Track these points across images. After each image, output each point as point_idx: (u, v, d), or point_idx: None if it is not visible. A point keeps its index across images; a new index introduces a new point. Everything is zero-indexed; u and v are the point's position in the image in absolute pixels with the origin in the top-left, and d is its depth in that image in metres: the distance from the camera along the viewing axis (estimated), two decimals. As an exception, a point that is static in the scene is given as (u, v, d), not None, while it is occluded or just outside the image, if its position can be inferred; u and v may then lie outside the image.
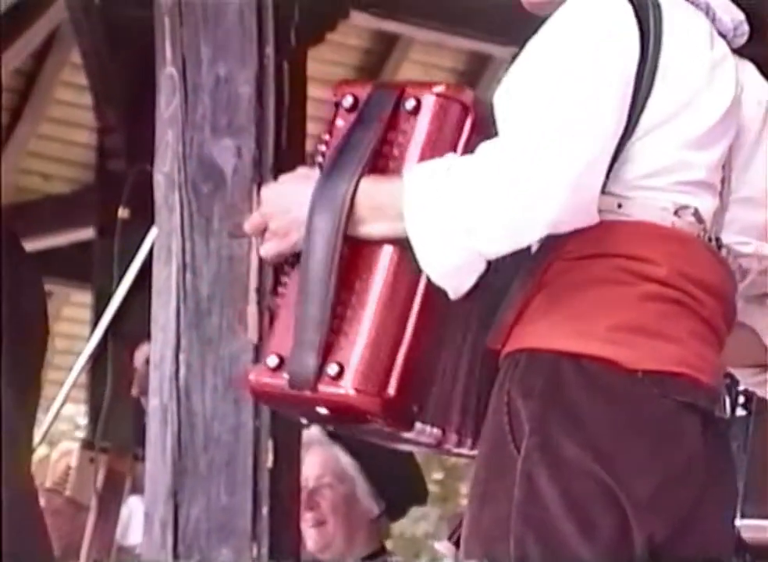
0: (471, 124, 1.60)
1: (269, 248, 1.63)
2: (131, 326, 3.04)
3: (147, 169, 2.69)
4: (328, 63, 5.76)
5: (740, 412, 2.30)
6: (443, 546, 2.68)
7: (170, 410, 2.42)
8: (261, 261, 2.56)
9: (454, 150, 1.59)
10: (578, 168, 1.51)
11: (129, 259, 2.99)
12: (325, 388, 1.56)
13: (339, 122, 1.62)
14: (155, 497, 2.43)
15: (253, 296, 2.50)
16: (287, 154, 2.64)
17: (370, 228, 1.57)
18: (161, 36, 2.64)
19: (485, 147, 1.55)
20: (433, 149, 1.59)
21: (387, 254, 1.58)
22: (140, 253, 2.89)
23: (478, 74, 6.06)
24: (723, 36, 1.67)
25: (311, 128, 6.10)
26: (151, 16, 2.69)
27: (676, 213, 1.59)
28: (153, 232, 2.67)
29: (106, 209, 3.65)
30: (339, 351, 1.56)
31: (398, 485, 3.02)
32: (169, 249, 2.55)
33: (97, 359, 3.25)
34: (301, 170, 1.65)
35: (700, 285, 1.59)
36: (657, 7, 1.59)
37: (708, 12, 1.65)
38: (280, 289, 1.63)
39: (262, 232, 1.64)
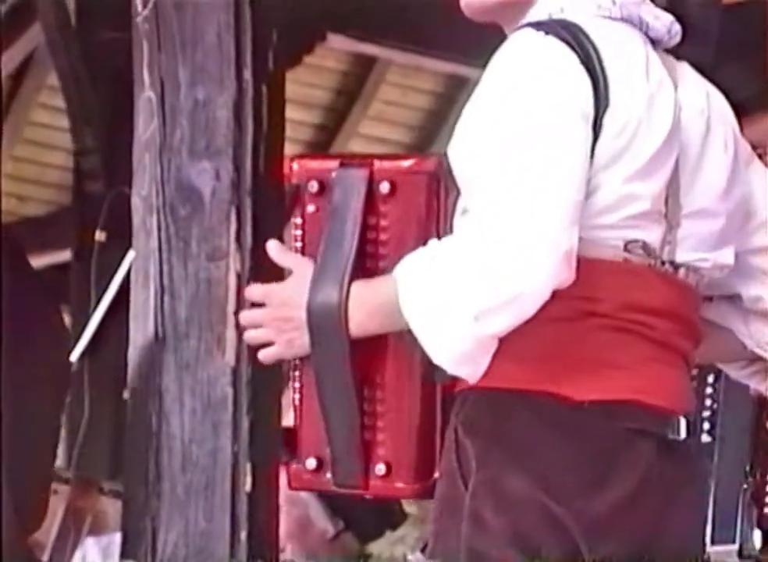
0: (444, 189, 1.61)
1: (269, 354, 1.64)
2: (109, 350, 3.03)
3: (124, 192, 2.69)
4: (306, 85, 5.77)
5: (705, 438, 2.31)
6: (416, 558, 2.68)
7: (148, 434, 2.41)
8: (239, 284, 2.56)
9: (437, 222, 1.60)
10: (558, 229, 1.53)
11: (107, 282, 2.99)
12: (375, 484, 1.60)
13: (310, 208, 1.60)
14: (133, 521, 2.42)
15: (231, 319, 2.50)
16: (265, 177, 2.65)
17: (372, 330, 1.58)
18: (139, 60, 2.64)
19: (465, 229, 1.55)
20: (418, 227, 1.60)
21: (397, 341, 1.59)
22: (117, 276, 2.89)
23: (455, 96, 6.08)
24: (657, 41, 1.67)
25: (289, 149, 6.10)
26: (129, 38, 2.70)
27: (626, 248, 1.60)
28: (130, 255, 2.67)
29: (83, 231, 3.65)
30: (383, 449, 1.59)
31: (368, 510, 3.02)
32: (147, 272, 2.55)
33: (75, 383, 3.24)
34: (302, 266, 1.62)
35: (652, 312, 1.61)
36: (594, 48, 1.59)
37: (641, 24, 1.66)
38: (295, 384, 1.64)
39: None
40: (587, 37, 1.59)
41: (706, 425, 2.31)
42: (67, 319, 4.55)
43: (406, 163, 1.59)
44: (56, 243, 4.86)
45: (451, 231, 1.62)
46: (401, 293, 1.54)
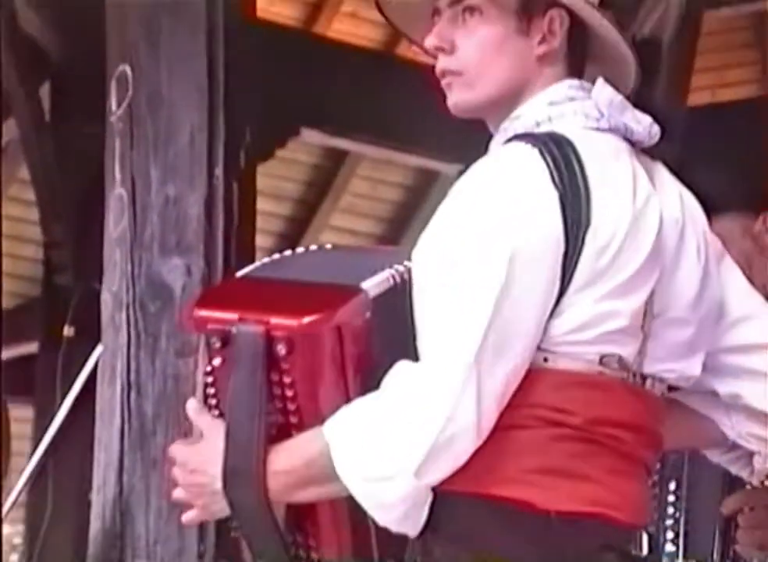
0: (347, 339, 1.56)
1: (190, 518, 1.62)
2: (73, 447, 3.00)
3: (93, 287, 2.69)
4: (279, 178, 5.82)
5: (669, 547, 2.29)
6: None
7: (113, 534, 2.38)
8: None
9: (342, 368, 1.57)
10: (497, 381, 1.52)
11: (73, 378, 2.97)
12: None
13: (216, 361, 1.55)
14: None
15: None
16: (236, 272, 2.66)
17: (302, 495, 1.56)
18: (111, 157, 2.66)
19: (393, 380, 1.53)
20: (321, 378, 1.56)
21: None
22: (83, 371, 2.88)
23: (425, 189, 6.14)
24: (639, 143, 1.67)
25: (261, 241, 6.12)
26: (102, 134, 2.72)
27: (601, 362, 1.59)
28: (98, 351, 2.66)
29: (51, 324, 3.64)
30: None
31: None
32: (114, 368, 2.54)
33: (38, 478, 3.20)
34: (209, 431, 1.57)
35: (621, 426, 1.60)
36: (581, 164, 1.59)
37: (626, 131, 1.66)
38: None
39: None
40: (576, 154, 1.59)
41: (669, 534, 2.30)
42: (31, 413, 4.53)
43: (304, 321, 1.52)
44: (24, 334, 4.84)
45: (361, 374, 1.59)
46: (336, 459, 1.51)
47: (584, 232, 1.57)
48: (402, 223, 6.27)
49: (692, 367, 1.69)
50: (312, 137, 5.15)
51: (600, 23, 1.66)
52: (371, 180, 6.18)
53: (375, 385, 1.55)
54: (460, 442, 1.52)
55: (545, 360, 1.58)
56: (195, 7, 2.63)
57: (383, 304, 1.60)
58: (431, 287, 1.56)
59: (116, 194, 2.66)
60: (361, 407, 1.54)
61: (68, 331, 3.05)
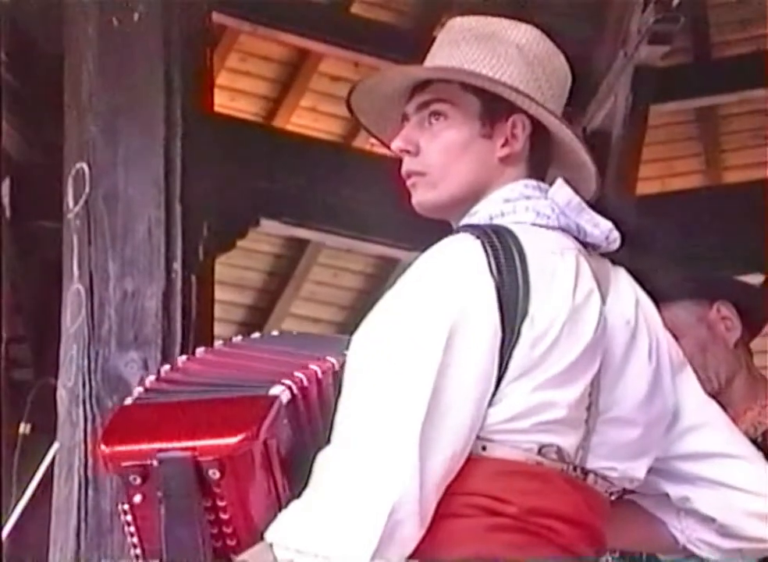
0: (277, 449, 1.55)
1: None
2: (28, 547, 2.98)
3: (50, 383, 2.69)
4: (240, 268, 5.84)
5: None
6: None
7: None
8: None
9: (273, 478, 1.55)
10: (433, 475, 1.53)
11: (30, 476, 2.95)
12: None
13: (137, 498, 1.48)
14: None
15: (156, 510, 2.48)
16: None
17: None
18: (69, 254, 2.68)
19: (328, 471, 1.52)
20: (256, 491, 1.53)
21: None
22: (39, 469, 2.86)
23: (385, 277, 6.17)
24: (595, 247, 1.71)
25: (222, 331, 6.10)
26: (61, 229, 2.74)
27: (540, 452, 1.61)
28: (54, 448, 2.65)
29: (9, 420, 3.62)
30: None
31: None
32: (71, 465, 2.53)
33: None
34: None
35: (559, 518, 1.61)
36: (522, 256, 1.61)
37: (579, 232, 1.70)
38: None
39: None
40: (518, 246, 1.62)
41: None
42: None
43: (230, 440, 1.48)
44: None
45: (288, 476, 1.57)
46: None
47: (521, 322, 1.59)
48: (363, 311, 6.20)
49: (636, 469, 1.70)
50: (272, 228, 5.20)
51: (560, 130, 1.72)
52: (332, 268, 6.21)
53: (300, 480, 1.54)
54: (405, 529, 1.52)
55: (484, 448, 1.59)
56: (152, 105, 2.67)
57: (294, 409, 1.58)
58: (366, 372, 1.56)
59: (73, 290, 2.67)
60: (302, 508, 1.52)
61: (24, 428, 3.04)
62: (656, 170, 5.66)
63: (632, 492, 1.76)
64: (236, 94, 5.38)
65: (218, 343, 1.76)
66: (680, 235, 4.04)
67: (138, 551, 1.52)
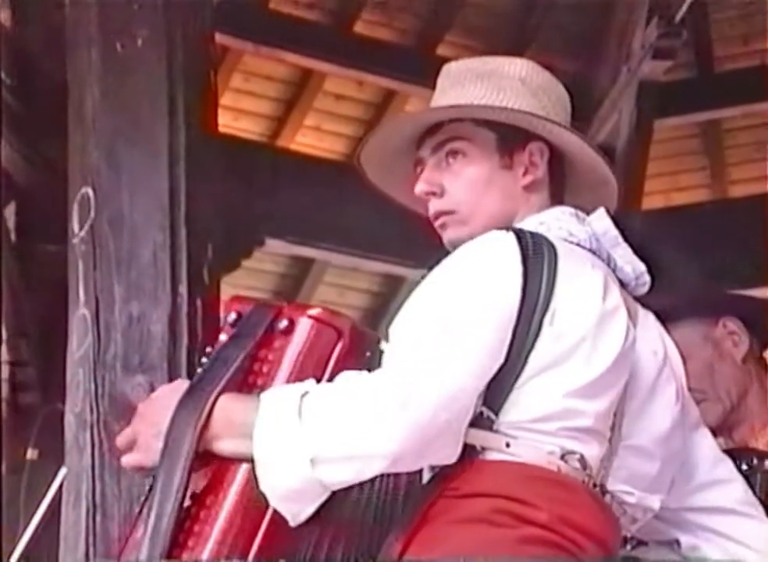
0: (341, 349, 1.63)
1: (129, 459, 1.64)
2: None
3: (57, 408, 2.69)
4: (244, 288, 5.83)
5: None
6: None
7: None
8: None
9: (322, 372, 1.62)
10: (424, 408, 1.54)
11: (38, 501, 2.95)
12: None
13: (222, 337, 1.66)
14: None
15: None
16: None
17: (221, 444, 1.58)
18: (75, 278, 2.68)
19: (342, 377, 1.59)
20: (300, 369, 1.62)
21: (239, 472, 1.59)
22: (47, 495, 2.86)
23: (391, 295, 6.17)
24: (624, 285, 1.73)
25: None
26: (66, 253, 2.74)
27: (562, 458, 1.62)
28: (62, 473, 2.64)
29: (16, 445, 3.62)
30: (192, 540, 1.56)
31: None
32: (79, 491, 2.52)
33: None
34: (177, 382, 1.68)
35: (581, 530, 1.61)
36: (552, 255, 1.64)
37: (609, 261, 1.72)
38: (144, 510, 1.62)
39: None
40: (551, 248, 1.65)
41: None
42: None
43: (313, 310, 1.65)
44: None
45: None
46: (258, 416, 1.55)
47: (542, 315, 1.61)
48: (370, 328, 6.29)
49: (651, 500, 1.71)
50: (277, 247, 5.20)
51: (582, 148, 1.73)
52: (338, 287, 6.20)
53: None
54: (371, 463, 1.54)
55: (508, 445, 1.60)
56: (156, 128, 2.68)
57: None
58: (400, 338, 1.60)
59: (79, 315, 2.67)
60: (307, 384, 1.58)
61: (31, 454, 3.03)
62: (660, 185, 5.66)
63: (633, 538, 1.77)
64: (239, 115, 5.38)
65: None
66: (686, 249, 4.05)
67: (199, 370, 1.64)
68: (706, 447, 1.80)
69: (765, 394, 2.37)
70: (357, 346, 1.64)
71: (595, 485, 1.64)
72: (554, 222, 1.71)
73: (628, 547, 1.80)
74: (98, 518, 2.51)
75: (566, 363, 1.61)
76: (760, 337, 2.44)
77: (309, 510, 1.55)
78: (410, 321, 1.61)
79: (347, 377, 1.58)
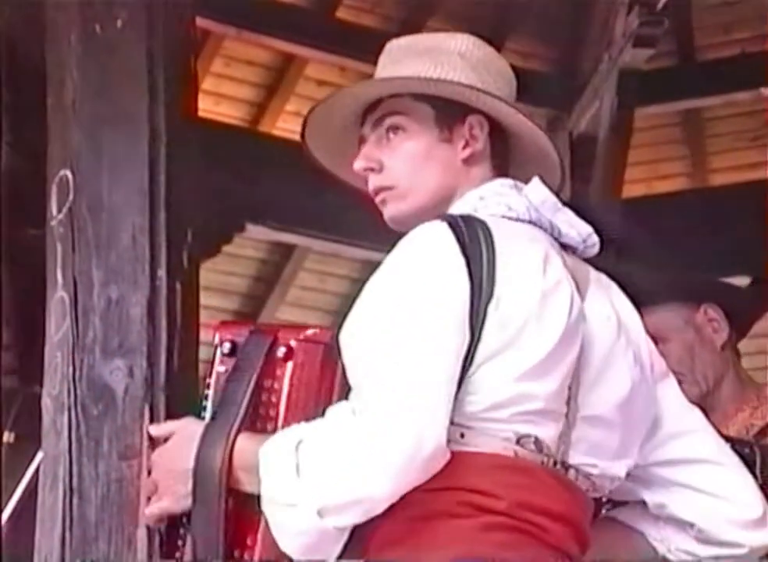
0: (342, 368, 1.67)
1: (154, 509, 1.65)
2: (12, 556, 2.97)
3: (35, 392, 2.68)
4: (225, 273, 5.84)
5: None
6: None
7: None
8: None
9: (329, 392, 1.64)
10: (414, 441, 1.55)
11: (14, 485, 2.94)
12: None
13: (220, 368, 1.71)
14: None
15: (142, 519, 2.47)
16: (180, 373, 2.66)
17: (248, 487, 1.62)
18: (53, 261, 2.66)
19: (331, 415, 1.59)
20: (307, 394, 1.66)
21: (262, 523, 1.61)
22: (24, 478, 2.85)
23: (372, 282, 6.17)
24: (573, 249, 1.72)
25: (205, 336, 6.09)
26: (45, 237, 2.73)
27: (518, 442, 1.62)
28: (39, 457, 2.64)
29: (-4, 428, 3.62)
30: None
31: None
32: (56, 474, 2.51)
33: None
34: (188, 424, 1.67)
35: (545, 513, 1.62)
36: (489, 238, 1.64)
37: (552, 229, 1.71)
38: (177, 554, 1.63)
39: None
40: (485, 229, 1.64)
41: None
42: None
43: (308, 332, 1.70)
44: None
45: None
46: (262, 471, 1.57)
47: (487, 302, 1.62)
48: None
49: (615, 468, 1.71)
50: (258, 233, 5.19)
51: (520, 121, 1.73)
52: (318, 273, 6.21)
53: None
54: (372, 504, 1.55)
55: (462, 436, 1.61)
56: (136, 111, 2.66)
57: None
58: (360, 352, 1.62)
59: (57, 298, 2.66)
60: (298, 431, 1.59)
61: (8, 437, 3.03)
62: (641, 173, 5.67)
63: (609, 501, 1.77)
64: (220, 99, 5.37)
65: None
66: (667, 238, 4.06)
67: (205, 403, 1.70)
68: (672, 398, 1.78)
69: (739, 382, 2.40)
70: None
71: (555, 463, 1.64)
72: (493, 198, 1.71)
73: (603, 511, 1.80)
74: (75, 501, 2.50)
75: (512, 347, 1.61)
76: (739, 325, 2.45)
77: (334, 553, 1.56)
78: (368, 338, 1.60)
79: (336, 417, 1.57)
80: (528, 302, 1.63)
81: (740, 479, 1.77)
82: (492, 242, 1.63)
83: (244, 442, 1.61)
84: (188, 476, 1.60)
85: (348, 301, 6.68)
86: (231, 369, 1.70)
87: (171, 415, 2.60)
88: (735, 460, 1.79)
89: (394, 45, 1.79)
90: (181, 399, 2.61)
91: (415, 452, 1.54)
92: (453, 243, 1.62)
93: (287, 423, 1.64)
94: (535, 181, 1.73)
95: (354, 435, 1.55)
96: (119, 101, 2.64)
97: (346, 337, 1.65)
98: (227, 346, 1.73)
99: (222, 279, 5.88)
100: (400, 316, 1.60)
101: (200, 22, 3.25)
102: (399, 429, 1.53)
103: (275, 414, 1.66)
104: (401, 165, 1.73)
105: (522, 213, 1.70)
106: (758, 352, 5.38)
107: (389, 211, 1.75)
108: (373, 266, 6.56)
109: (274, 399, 1.67)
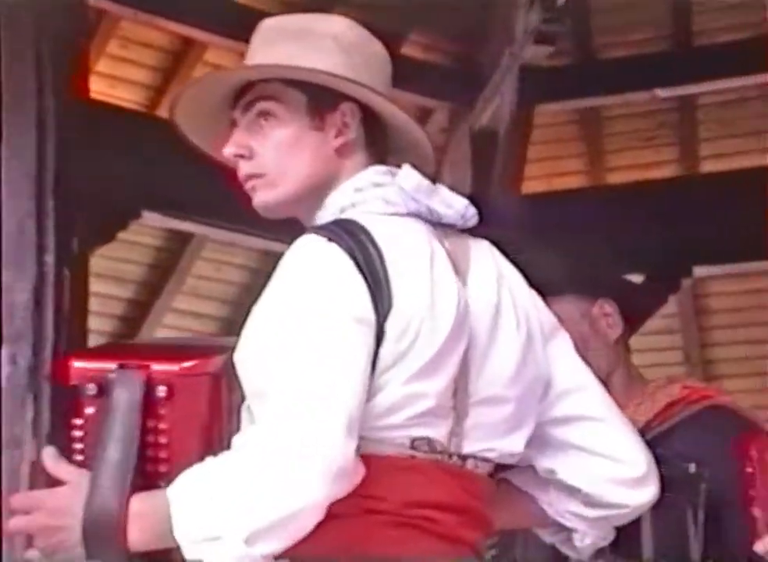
0: (226, 390, 1.59)
1: (19, 523, 1.55)
2: None
3: None
4: (120, 261, 5.74)
5: None
6: None
7: None
8: (33, 473, 2.47)
9: (219, 421, 1.58)
10: (332, 445, 1.52)
11: None
12: None
13: (89, 410, 1.55)
14: None
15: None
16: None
17: (151, 546, 1.54)
18: (-61, 246, 2.60)
19: (239, 446, 1.53)
20: (198, 428, 1.58)
21: None
22: None
23: (269, 271, 6.14)
24: (452, 226, 1.70)
25: (101, 324, 5.96)
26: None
27: (412, 445, 1.61)
28: None
29: None
30: None
31: None
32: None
33: None
34: (72, 477, 1.56)
35: (436, 507, 1.61)
36: (378, 252, 1.61)
37: (431, 215, 1.69)
38: None
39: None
40: (371, 240, 1.61)
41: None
42: None
43: (185, 365, 1.57)
44: None
45: (237, 430, 1.60)
46: (174, 517, 1.50)
47: (386, 317, 1.59)
48: (246, 305, 6.22)
49: (514, 444, 1.70)
50: (154, 220, 5.11)
51: (390, 110, 1.71)
52: (216, 262, 6.14)
53: None
54: (301, 520, 1.51)
55: (357, 447, 1.57)
56: (23, 95, 2.60)
57: None
58: (266, 374, 1.55)
59: (-58, 283, 2.59)
60: (207, 466, 1.52)
61: None
62: (541, 169, 5.71)
63: (504, 467, 1.77)
64: (116, 82, 5.27)
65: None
66: (565, 234, 4.10)
67: (78, 450, 1.57)
68: (563, 355, 1.77)
69: (628, 378, 2.42)
70: (232, 373, 1.59)
71: (450, 456, 1.63)
72: (370, 190, 1.68)
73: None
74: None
75: (408, 355, 1.60)
76: (632, 322, 2.47)
77: None
78: (272, 360, 1.55)
79: (244, 443, 1.53)
80: (421, 308, 1.60)
81: (625, 437, 1.77)
82: (382, 255, 1.60)
83: (138, 503, 1.52)
84: (73, 533, 1.52)
85: (246, 291, 6.60)
86: (104, 412, 1.53)
87: (55, 404, 2.55)
88: (621, 417, 1.79)
89: (267, 25, 1.74)
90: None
91: (334, 464, 1.51)
92: (348, 259, 1.58)
93: (179, 461, 1.55)
94: (406, 167, 1.69)
95: (269, 455, 1.50)
96: (5, 82, 2.58)
97: (244, 360, 1.58)
98: (92, 387, 1.53)
99: (117, 266, 5.77)
100: (304, 338, 1.55)
101: (95, 1, 3.18)
102: (310, 442, 1.50)
103: (166, 456, 1.55)
104: (271, 152, 1.68)
105: (400, 207, 1.67)
106: (648, 349, 5.47)
107: (259, 199, 1.71)
108: (271, 256, 6.46)
109: (162, 440, 1.55)
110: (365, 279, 1.59)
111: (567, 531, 1.80)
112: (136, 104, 5.37)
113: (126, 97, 5.31)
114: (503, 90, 4.71)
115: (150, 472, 1.56)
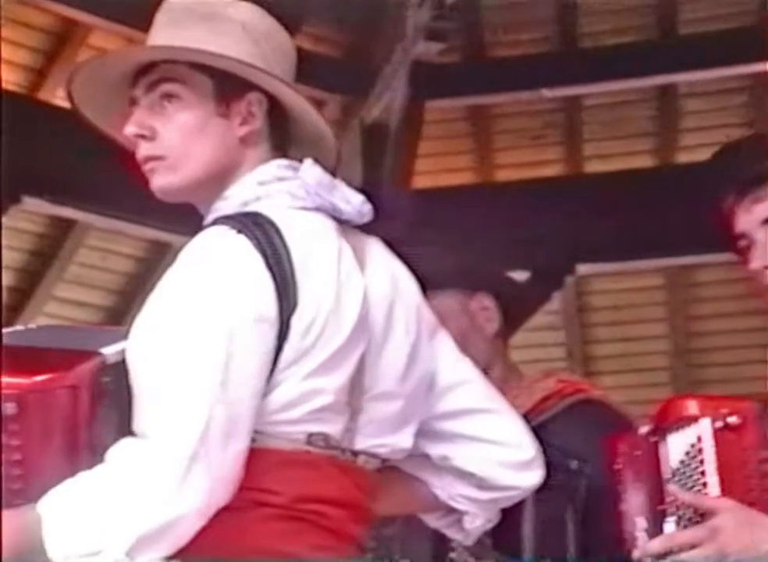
0: (84, 399, 1.52)
1: None
2: None
3: None
4: (-1, 247, 5.62)
5: None
6: None
7: None
8: None
9: (77, 431, 1.52)
10: (208, 462, 1.51)
11: None
12: None
13: None
14: None
15: None
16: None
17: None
18: None
19: (114, 455, 1.51)
20: (55, 443, 1.51)
21: None
22: None
23: (157, 261, 6.07)
24: (349, 222, 1.70)
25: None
26: None
27: (309, 441, 1.61)
28: None
29: None
30: None
31: None
32: None
33: None
34: None
35: (326, 502, 1.62)
36: (285, 246, 1.59)
37: (334, 210, 1.68)
38: None
39: None
40: (279, 234, 1.59)
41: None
42: None
43: (37, 378, 1.48)
44: None
45: (102, 440, 1.55)
46: (46, 533, 1.46)
47: (291, 314, 1.57)
48: (132, 295, 6.15)
49: (403, 440, 1.72)
50: (35, 205, 5.02)
51: (296, 102, 1.69)
52: (101, 251, 6.04)
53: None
54: (182, 526, 1.49)
55: (254, 440, 1.57)
56: None
57: (123, 374, 1.56)
58: (150, 370, 1.53)
59: None
60: (80, 480, 1.49)
61: None
62: (430, 165, 5.74)
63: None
64: (-5, 63, 5.16)
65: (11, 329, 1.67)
66: (452, 229, 4.12)
67: None
68: (445, 352, 1.79)
69: (506, 371, 2.46)
70: (97, 381, 1.54)
71: (343, 451, 1.64)
72: (274, 184, 1.66)
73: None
74: None
75: (311, 352, 1.59)
76: (513, 317, 2.50)
77: None
78: (156, 357, 1.52)
79: (119, 453, 1.50)
80: (327, 305, 1.60)
81: (512, 423, 1.81)
82: (289, 250, 1.59)
83: (9, 521, 1.46)
84: None
85: (132, 281, 6.49)
86: None
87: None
88: (506, 406, 1.83)
89: (173, 4, 1.71)
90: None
91: (208, 469, 1.49)
92: (256, 255, 1.56)
93: (37, 478, 1.49)
94: (308, 162, 1.68)
95: (144, 466, 1.48)
96: None
97: (131, 352, 1.55)
98: None
99: (-4, 254, 5.67)
100: (194, 338, 1.52)
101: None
102: (186, 450, 1.48)
103: (23, 472, 1.47)
104: (174, 135, 1.65)
105: (306, 201, 1.66)
106: (531, 345, 5.54)
107: (158, 182, 1.68)
108: (159, 246, 6.37)
109: (16, 456, 1.48)
110: (272, 275, 1.57)
111: (456, 514, 1.83)
112: (17, 86, 5.26)
113: (6, 78, 5.19)
114: (394, 84, 4.73)
115: (5, 490, 1.48)
